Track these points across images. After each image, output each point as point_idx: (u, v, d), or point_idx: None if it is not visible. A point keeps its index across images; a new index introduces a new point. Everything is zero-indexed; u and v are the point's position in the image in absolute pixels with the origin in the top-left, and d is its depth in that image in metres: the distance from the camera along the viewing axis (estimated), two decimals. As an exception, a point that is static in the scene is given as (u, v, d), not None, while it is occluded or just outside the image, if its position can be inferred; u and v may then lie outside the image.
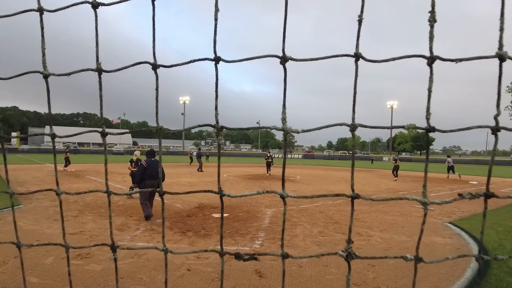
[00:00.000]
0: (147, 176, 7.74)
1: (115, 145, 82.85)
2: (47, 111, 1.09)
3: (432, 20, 0.74)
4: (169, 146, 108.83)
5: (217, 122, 0.90)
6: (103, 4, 0.96)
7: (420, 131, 0.80)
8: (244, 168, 27.38)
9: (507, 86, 32.12)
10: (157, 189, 1.03)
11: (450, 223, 7.80)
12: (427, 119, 0.80)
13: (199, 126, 1.00)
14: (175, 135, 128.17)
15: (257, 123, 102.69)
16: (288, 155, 61.99)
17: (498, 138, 0.77)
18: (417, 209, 9.76)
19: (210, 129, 0.94)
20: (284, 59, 0.87)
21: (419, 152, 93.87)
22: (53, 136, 1.02)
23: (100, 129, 1.01)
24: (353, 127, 0.84)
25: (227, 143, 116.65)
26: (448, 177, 21.69)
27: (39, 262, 4.72)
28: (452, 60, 0.77)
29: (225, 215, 8.07)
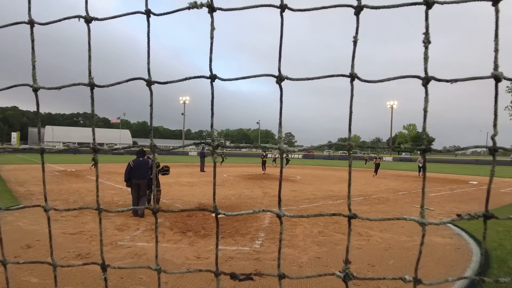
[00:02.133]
0: (134, 176, 8.05)
1: (115, 145, 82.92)
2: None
3: (427, 42, 0.75)
4: (169, 146, 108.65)
5: (213, 140, 0.89)
6: (97, 19, 0.95)
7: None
8: (244, 168, 27.38)
9: (507, 86, 32.11)
10: (151, 207, 1.01)
11: (450, 223, 7.79)
12: (423, 138, 0.80)
13: (195, 143, 1.01)
14: (175, 135, 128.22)
15: (257, 123, 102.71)
16: (288, 155, 61.78)
17: (496, 157, 0.76)
18: (418, 209, 9.76)
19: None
20: (280, 79, 0.87)
21: (419, 152, 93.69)
22: (41, 150, 1.00)
23: (91, 145, 1.01)
24: (349, 146, 0.83)
25: (227, 143, 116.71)
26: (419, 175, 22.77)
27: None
28: (447, 81, 0.77)
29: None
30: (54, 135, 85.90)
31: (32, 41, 0.95)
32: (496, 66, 0.73)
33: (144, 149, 9.44)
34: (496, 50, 0.72)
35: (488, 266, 4.96)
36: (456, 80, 0.76)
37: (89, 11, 0.95)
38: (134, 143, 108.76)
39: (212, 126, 0.91)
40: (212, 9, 0.86)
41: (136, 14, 0.94)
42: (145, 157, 8.47)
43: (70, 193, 11.21)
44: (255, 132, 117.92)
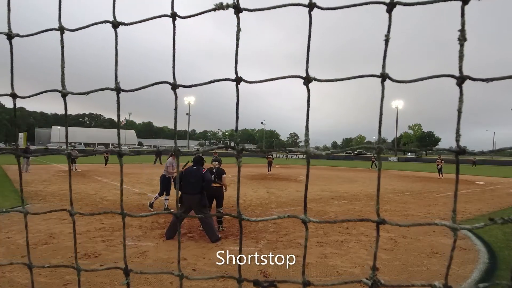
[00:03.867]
0: (182, 188, 6.29)
1: (121, 145, 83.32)
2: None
3: (462, 39, 0.72)
4: (173, 146, 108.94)
5: (237, 143, 0.88)
6: (124, 24, 0.96)
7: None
8: (249, 168, 27.37)
9: None
10: (175, 212, 1.01)
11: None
12: (457, 141, 0.77)
13: (219, 147, 0.96)
14: (180, 135, 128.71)
15: (262, 123, 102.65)
16: (293, 155, 61.65)
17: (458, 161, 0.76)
18: (422, 210, 9.69)
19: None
20: (308, 80, 0.85)
21: (424, 152, 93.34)
22: (68, 155, 1.01)
23: (117, 150, 1.04)
24: (379, 149, 0.83)
25: (232, 143, 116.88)
26: (441, 176, 21.77)
27: (46, 261, 4.77)
28: (483, 80, 0.74)
29: (229, 215, 8.08)
30: (61, 135, 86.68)
31: (62, 47, 0.98)
32: None
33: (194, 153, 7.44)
34: None
35: (496, 267, 4.90)
36: (492, 79, 0.74)
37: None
38: (140, 143, 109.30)
39: (236, 129, 0.90)
40: (238, 10, 0.85)
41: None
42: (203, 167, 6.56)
43: (77, 193, 11.30)
44: (259, 132, 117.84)
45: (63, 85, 0.99)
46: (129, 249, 5.48)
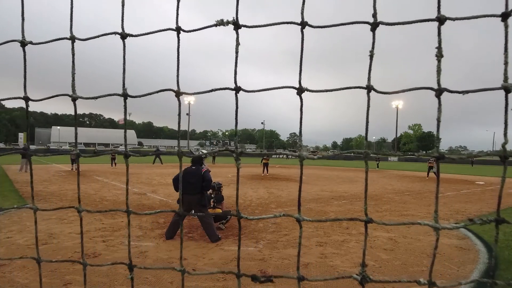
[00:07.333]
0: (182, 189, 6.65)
1: (120, 145, 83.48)
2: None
3: (439, 55, 0.79)
4: (174, 146, 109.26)
5: (236, 147, 0.95)
6: (131, 35, 1.03)
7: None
8: (248, 168, 27.38)
9: None
10: (178, 211, 1.10)
11: (456, 223, 7.71)
12: (437, 146, 0.86)
13: (220, 150, 1.09)
14: (180, 135, 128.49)
15: (262, 123, 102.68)
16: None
17: (507, 166, 0.84)
18: (422, 210, 9.70)
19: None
20: (300, 90, 0.93)
21: (424, 152, 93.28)
22: (77, 155, 1.07)
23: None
24: (366, 154, 0.90)
25: (232, 143, 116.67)
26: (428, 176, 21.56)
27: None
28: (459, 92, 0.82)
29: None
30: (61, 135, 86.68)
31: (73, 55, 1.05)
32: (506, 78, 0.77)
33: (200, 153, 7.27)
34: (506, 63, 0.76)
35: (496, 268, 4.90)
36: (467, 92, 0.81)
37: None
38: (140, 143, 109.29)
39: (236, 134, 0.99)
40: (237, 26, 0.93)
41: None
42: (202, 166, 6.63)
43: (77, 193, 11.27)
44: (259, 132, 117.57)
45: (73, 90, 1.05)
46: (131, 249, 5.47)
